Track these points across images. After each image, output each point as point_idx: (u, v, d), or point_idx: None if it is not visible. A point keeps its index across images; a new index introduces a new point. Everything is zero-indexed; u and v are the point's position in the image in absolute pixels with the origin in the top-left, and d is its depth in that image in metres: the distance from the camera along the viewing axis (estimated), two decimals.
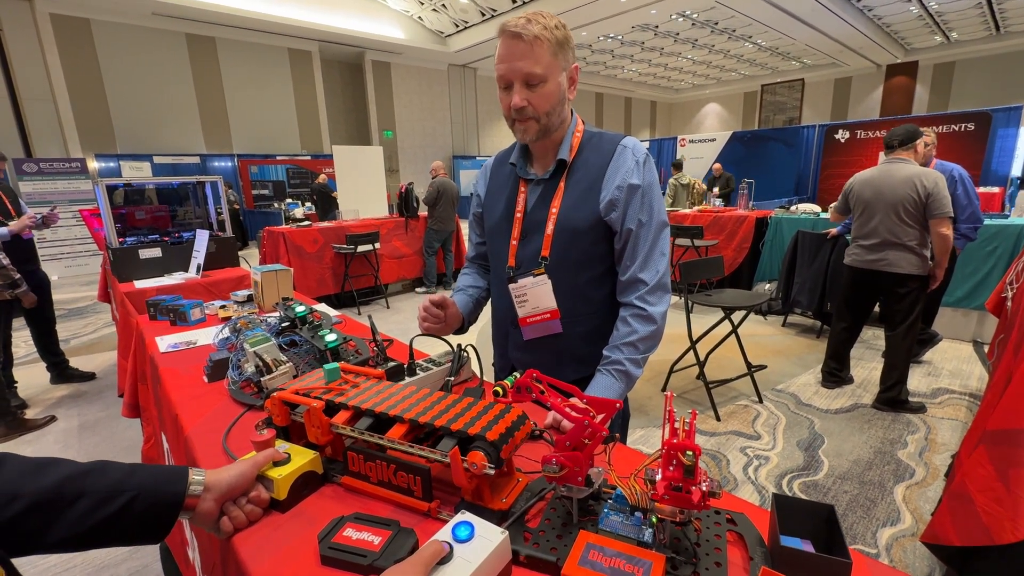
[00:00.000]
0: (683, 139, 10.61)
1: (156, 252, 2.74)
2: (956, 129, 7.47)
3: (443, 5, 12.36)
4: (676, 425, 0.58)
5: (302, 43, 12.50)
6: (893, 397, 2.81)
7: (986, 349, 3.62)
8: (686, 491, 0.53)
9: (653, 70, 18.49)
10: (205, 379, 1.22)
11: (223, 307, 1.84)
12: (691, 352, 2.94)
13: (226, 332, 1.40)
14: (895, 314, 2.78)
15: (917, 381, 3.19)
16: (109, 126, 10.27)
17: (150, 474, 0.63)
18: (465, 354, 1.18)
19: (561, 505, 0.68)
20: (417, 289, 6.35)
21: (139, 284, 2.55)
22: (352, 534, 0.63)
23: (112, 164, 9.96)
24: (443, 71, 15.50)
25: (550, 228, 1.06)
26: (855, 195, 2.86)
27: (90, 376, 3.65)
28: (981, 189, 6.66)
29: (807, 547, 0.57)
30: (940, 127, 7.47)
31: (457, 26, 13.30)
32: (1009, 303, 2.25)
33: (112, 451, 2.66)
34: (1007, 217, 4.11)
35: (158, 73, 10.70)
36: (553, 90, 1.00)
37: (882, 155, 2.88)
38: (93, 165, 9.68)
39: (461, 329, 1.23)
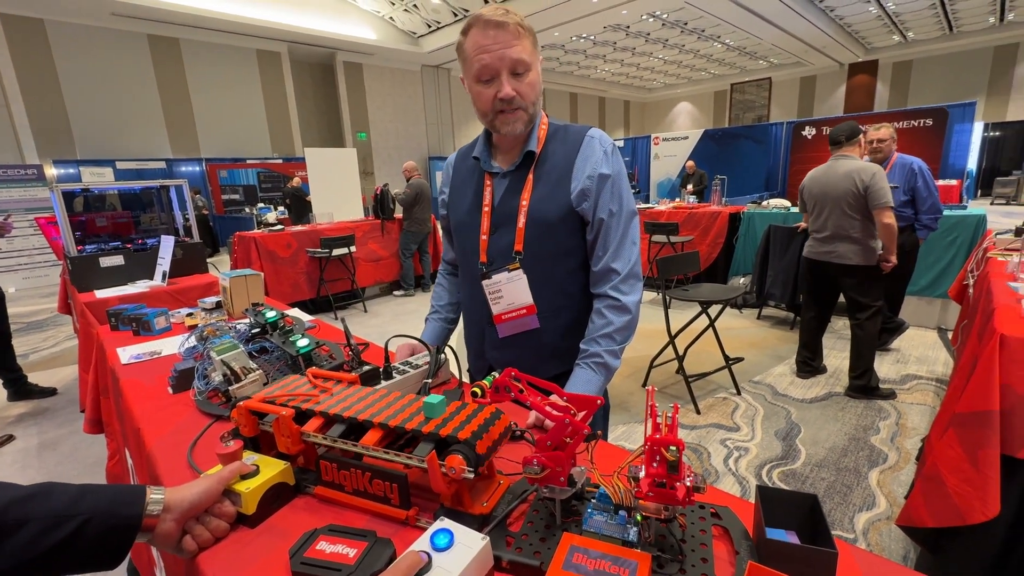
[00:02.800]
0: (656, 137, 10.75)
1: (118, 260, 2.62)
2: (915, 124, 7.73)
3: (415, 5, 12.25)
4: (658, 420, 0.57)
5: (270, 44, 12.22)
6: (863, 384, 2.89)
7: (950, 335, 3.76)
8: (670, 487, 0.52)
9: (626, 70, 18.70)
10: (170, 390, 1.17)
11: (190, 315, 1.77)
12: (670, 347, 2.97)
13: (192, 340, 1.35)
14: (853, 303, 2.89)
15: (886, 368, 3.29)
16: (68, 131, 9.85)
17: (103, 495, 0.58)
18: (443, 356, 1.15)
19: (544, 507, 0.66)
20: (395, 292, 6.27)
21: (100, 294, 2.44)
22: (326, 547, 0.60)
23: (72, 170, 9.56)
24: (416, 72, 15.37)
25: (521, 221, 1.04)
26: (807, 192, 3.00)
27: (51, 392, 3.48)
28: (940, 182, 6.90)
29: (792, 538, 0.56)
30: (900, 122, 7.73)
31: (429, 27, 13.20)
32: (970, 290, 2.34)
33: (75, 470, 2.54)
34: (965, 208, 4.27)
35: (119, 75, 10.31)
36: (535, 80, 1.01)
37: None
38: (51, 172, 9.27)
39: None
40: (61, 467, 2.57)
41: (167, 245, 2.56)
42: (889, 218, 2.65)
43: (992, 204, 12.29)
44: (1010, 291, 1.60)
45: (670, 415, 0.57)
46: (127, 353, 1.46)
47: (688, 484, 0.52)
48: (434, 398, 0.69)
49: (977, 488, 1.23)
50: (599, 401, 0.62)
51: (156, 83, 10.83)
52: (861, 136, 2.86)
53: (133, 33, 10.36)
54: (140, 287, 2.53)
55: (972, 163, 8.31)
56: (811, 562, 0.50)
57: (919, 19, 13.77)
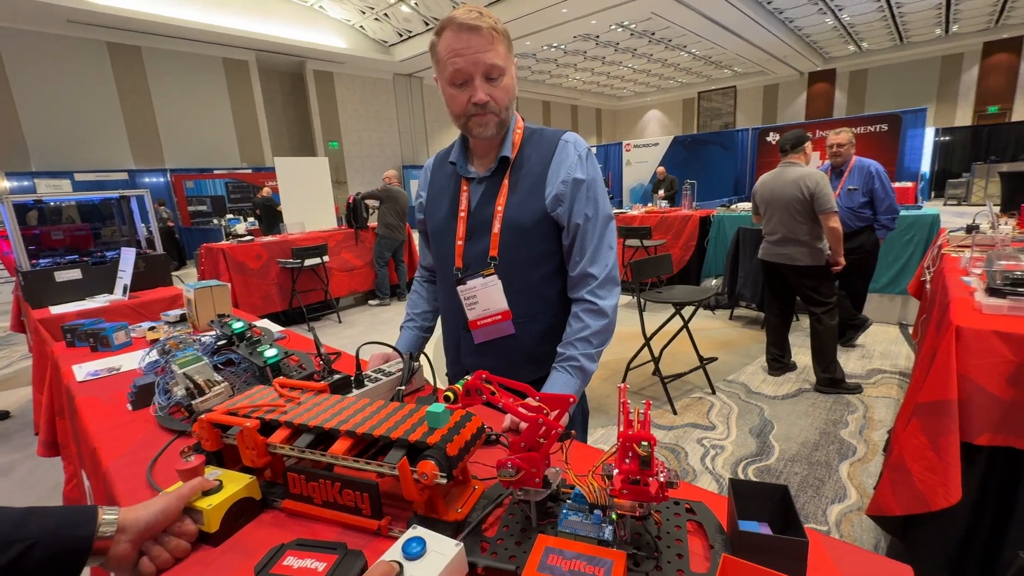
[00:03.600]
0: (628, 144, 10.95)
1: (75, 274, 2.51)
2: (872, 130, 8.09)
3: (385, 15, 12.22)
4: (631, 417, 0.57)
5: (237, 52, 11.99)
6: (830, 378, 2.99)
7: (911, 330, 3.92)
8: (643, 483, 0.52)
9: (596, 79, 19.03)
10: (129, 407, 1.11)
11: (152, 329, 1.70)
12: (646, 349, 3.00)
13: (154, 355, 1.29)
14: (807, 301, 3.01)
15: (853, 364, 3.40)
16: (21, 142, 9.44)
17: (51, 518, 0.55)
18: (417, 363, 1.13)
19: (519, 510, 0.65)
20: (371, 301, 6.18)
21: (55, 310, 2.33)
22: (293, 563, 0.58)
23: (26, 183, 9.16)
24: (388, 80, 15.30)
25: (497, 227, 1.04)
26: (758, 197, 3.12)
27: (3, 415, 3.30)
28: (896, 184, 7.23)
29: (764, 530, 0.57)
30: (858, 128, 8.08)
31: (401, 35, 13.19)
32: (928, 286, 2.44)
33: (30, 495, 2.40)
34: (920, 208, 4.47)
35: (77, 84, 9.95)
36: (510, 84, 1.01)
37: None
38: (3, 184, 8.85)
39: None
40: (15, 494, 2.43)
41: (128, 257, 2.47)
42: (834, 222, 2.78)
43: (945, 205, 12.92)
44: (964, 285, 1.67)
45: (642, 412, 0.57)
46: (83, 370, 1.39)
47: (661, 480, 0.52)
48: (438, 407, 0.65)
49: (940, 475, 1.28)
50: (571, 399, 0.62)
51: (117, 92, 10.49)
52: (807, 144, 2.98)
53: (91, 41, 10.03)
54: (99, 302, 2.42)
55: (925, 166, 8.76)
56: (783, 551, 0.50)
57: (872, 30, 14.47)
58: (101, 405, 1.16)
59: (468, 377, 0.67)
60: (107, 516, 0.58)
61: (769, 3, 12.13)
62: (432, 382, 1.15)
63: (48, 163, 9.66)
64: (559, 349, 1.03)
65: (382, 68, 14.54)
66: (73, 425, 1.30)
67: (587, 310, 1.03)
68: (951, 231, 2.79)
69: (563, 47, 14.42)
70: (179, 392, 1.04)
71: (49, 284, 2.44)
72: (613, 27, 12.75)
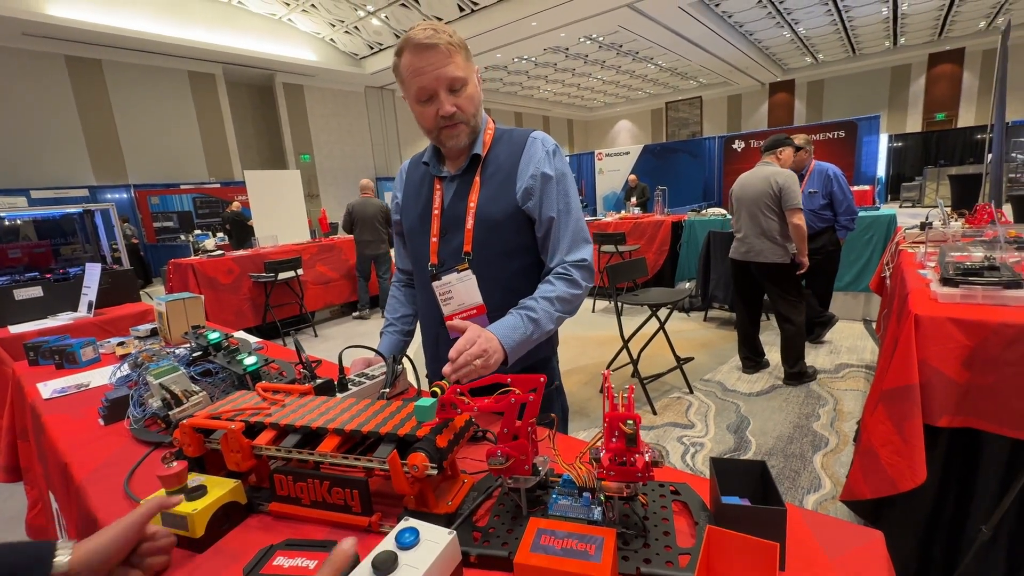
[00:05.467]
0: (600, 153, 11.15)
1: (36, 291, 2.41)
2: (830, 136, 8.46)
3: (355, 28, 12.20)
4: (615, 401, 0.59)
5: (203, 65, 11.76)
6: (797, 372, 3.11)
7: (874, 325, 4.08)
8: (630, 461, 0.53)
9: (567, 90, 19.36)
10: (101, 422, 1.08)
11: (121, 344, 1.65)
12: (624, 352, 3.05)
13: (125, 369, 1.26)
14: (774, 299, 3.13)
15: (822, 359, 3.52)
16: None
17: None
18: (399, 366, 1.13)
19: (509, 500, 0.66)
20: (353, 314, 6.10)
21: (15, 329, 2.22)
22: (284, 562, 0.57)
23: None
24: (360, 93, 15.23)
25: (470, 223, 1.06)
26: (732, 195, 3.26)
27: None
28: (855, 188, 7.57)
29: (746, 504, 0.59)
30: (817, 135, 8.44)
31: (371, 48, 13.17)
32: (888, 281, 2.56)
33: None
34: (878, 209, 4.69)
35: (33, 99, 9.58)
36: (474, 92, 1.03)
37: None
38: None
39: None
40: None
41: (93, 273, 2.38)
42: (799, 219, 2.91)
43: (900, 207, 13.54)
44: (920, 277, 1.76)
45: (626, 396, 0.59)
46: (49, 388, 1.34)
47: (647, 458, 0.54)
48: (425, 401, 0.65)
49: (905, 457, 1.34)
50: (542, 379, 0.63)
51: (76, 106, 10.13)
52: (780, 149, 3.12)
53: (48, 54, 9.69)
54: (62, 319, 2.33)
55: (881, 170, 9.23)
56: (763, 521, 0.53)
57: (826, 42, 15.18)
58: (70, 421, 1.11)
59: (438, 389, 0.67)
60: (61, 557, 0.52)
61: (730, 17, 12.61)
62: (416, 384, 1.15)
63: (2, 180, 9.25)
64: (520, 301, 1.02)
65: (353, 81, 14.48)
66: (39, 444, 1.25)
67: (560, 276, 1.03)
68: (907, 228, 2.94)
69: (533, 59, 14.65)
70: (155, 403, 1.01)
71: (7, 302, 2.33)
72: (582, 40, 13.03)
